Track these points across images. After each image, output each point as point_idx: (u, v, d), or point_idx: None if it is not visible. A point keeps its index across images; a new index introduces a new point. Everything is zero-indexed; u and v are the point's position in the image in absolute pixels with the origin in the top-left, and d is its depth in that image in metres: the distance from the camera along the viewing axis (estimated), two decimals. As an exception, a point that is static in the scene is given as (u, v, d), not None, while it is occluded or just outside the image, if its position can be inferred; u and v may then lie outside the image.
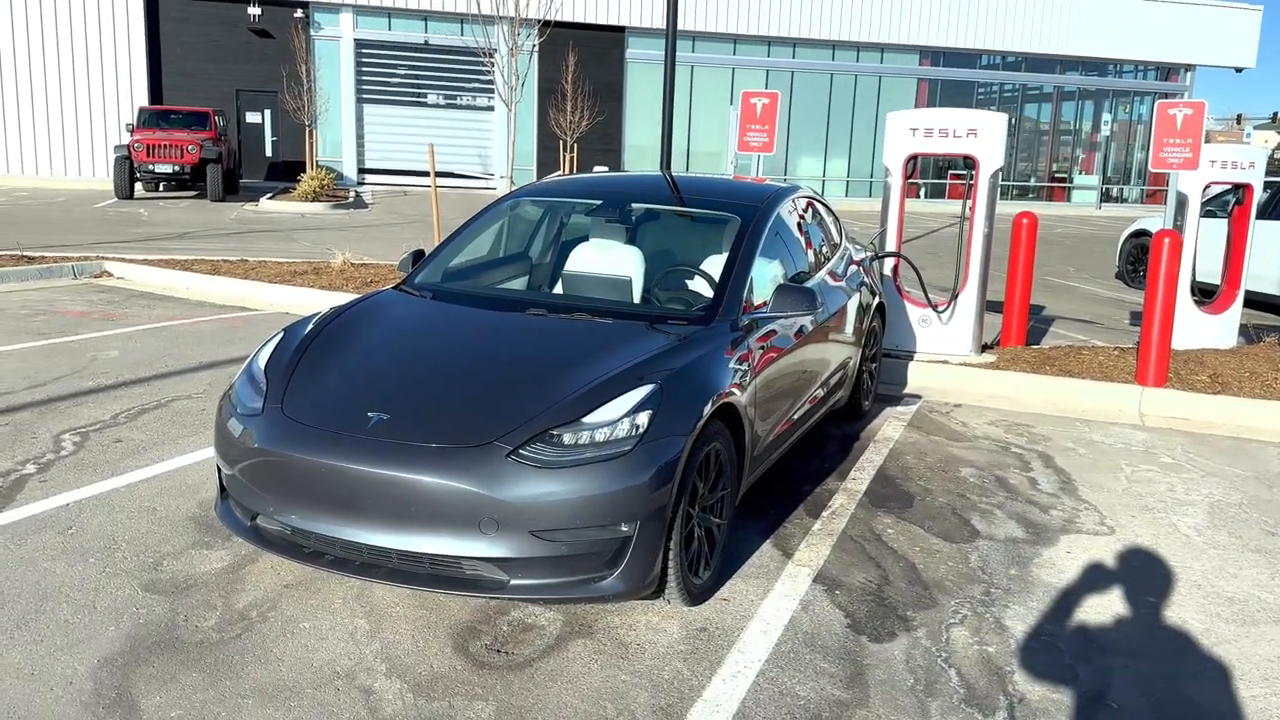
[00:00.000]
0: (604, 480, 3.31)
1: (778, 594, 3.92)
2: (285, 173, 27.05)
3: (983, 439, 6.18)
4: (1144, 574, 4.29)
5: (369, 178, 28.65)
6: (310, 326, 4.18)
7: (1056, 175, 35.02)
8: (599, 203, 5.34)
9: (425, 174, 26.36)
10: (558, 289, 5.00)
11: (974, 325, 7.78)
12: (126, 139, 21.93)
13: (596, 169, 10.05)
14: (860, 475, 5.38)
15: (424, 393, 3.67)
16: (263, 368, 3.90)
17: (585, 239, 5.15)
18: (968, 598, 3.97)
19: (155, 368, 6.91)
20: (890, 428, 6.31)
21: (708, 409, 3.68)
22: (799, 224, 5.63)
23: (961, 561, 4.32)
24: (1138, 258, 13.71)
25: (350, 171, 28.37)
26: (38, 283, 10.27)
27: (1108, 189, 35.10)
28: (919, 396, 7.15)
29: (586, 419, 3.44)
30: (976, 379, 7.35)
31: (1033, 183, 34.54)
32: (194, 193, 22.70)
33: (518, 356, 3.94)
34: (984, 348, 8.06)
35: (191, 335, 8.07)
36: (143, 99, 25.98)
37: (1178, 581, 4.23)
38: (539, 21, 17.38)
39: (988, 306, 8.01)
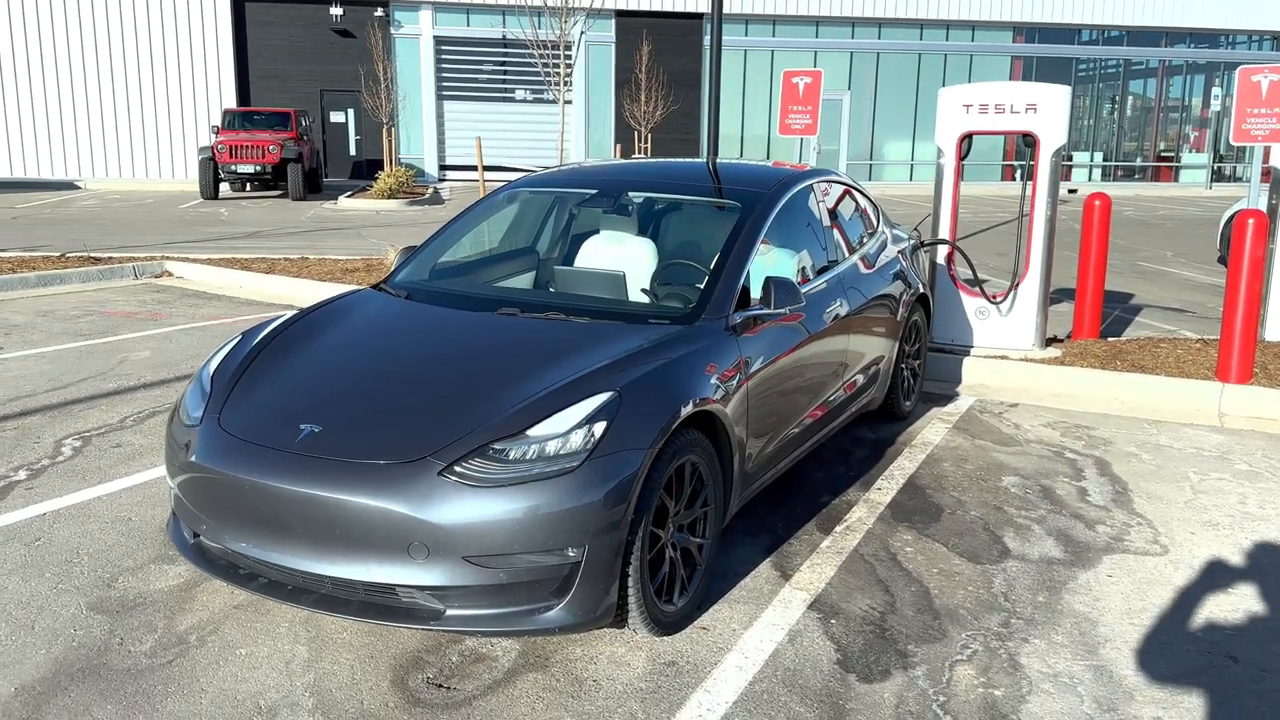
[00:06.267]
0: (547, 500, 2.98)
1: (764, 622, 3.53)
2: (367, 171, 27.40)
3: (1034, 443, 5.63)
4: (1195, 604, 3.76)
5: (449, 174, 28.84)
6: (268, 330, 3.95)
7: (1163, 154, 33.18)
8: (594, 192, 4.99)
9: (505, 169, 26.38)
10: (549, 284, 4.68)
11: (1037, 316, 7.18)
12: (213, 141, 22.49)
13: (633, 157, 9.69)
14: (887, 485, 4.92)
15: (363, 402, 3.38)
16: (210, 375, 3.68)
17: (582, 231, 4.82)
18: (981, 629, 3.52)
19: (179, 369, 6.84)
20: (932, 431, 5.81)
21: (682, 414, 3.32)
22: (827, 211, 5.20)
23: (983, 586, 3.86)
24: (1240, 240, 12.69)
25: (431, 168, 28.60)
26: (98, 283, 10.43)
27: (1220, 167, 33.11)
28: (972, 395, 6.61)
29: (532, 431, 3.11)
30: (1037, 375, 6.77)
31: (1138, 162, 32.81)
32: (277, 192, 23.13)
33: (474, 361, 3.62)
34: (1050, 340, 7.44)
35: (226, 334, 8.01)
36: (231, 101, 26.62)
37: (1236, 614, 3.68)
38: (597, 10, 17.07)
39: (1063, 296, 7.39)
